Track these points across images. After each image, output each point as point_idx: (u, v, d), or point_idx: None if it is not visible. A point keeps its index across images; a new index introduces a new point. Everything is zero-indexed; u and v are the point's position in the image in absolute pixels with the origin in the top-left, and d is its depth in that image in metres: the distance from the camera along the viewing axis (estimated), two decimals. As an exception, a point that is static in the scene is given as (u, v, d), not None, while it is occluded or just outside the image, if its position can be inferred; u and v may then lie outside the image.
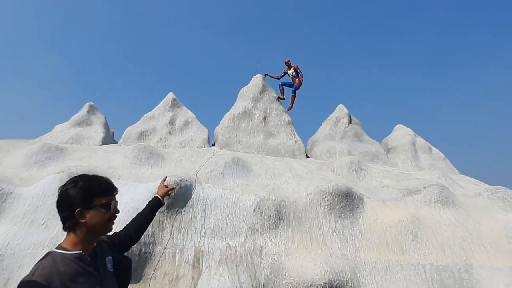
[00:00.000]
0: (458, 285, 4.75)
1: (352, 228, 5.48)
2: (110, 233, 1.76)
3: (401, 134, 10.01)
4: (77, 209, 1.55)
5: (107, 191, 1.67)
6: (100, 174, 1.76)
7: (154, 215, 2.21)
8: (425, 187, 6.27)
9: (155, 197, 2.27)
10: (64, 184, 1.61)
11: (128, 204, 5.07)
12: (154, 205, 2.22)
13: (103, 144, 8.29)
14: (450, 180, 7.31)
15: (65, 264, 1.48)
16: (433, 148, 9.81)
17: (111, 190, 1.69)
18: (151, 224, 4.96)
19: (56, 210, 1.60)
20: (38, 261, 1.50)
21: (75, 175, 1.68)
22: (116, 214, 1.70)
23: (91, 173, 1.75)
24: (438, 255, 5.11)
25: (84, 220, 1.56)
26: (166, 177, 2.58)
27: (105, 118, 9.43)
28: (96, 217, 1.59)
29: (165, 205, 5.21)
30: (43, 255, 1.54)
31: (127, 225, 2.07)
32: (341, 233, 5.38)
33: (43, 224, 4.96)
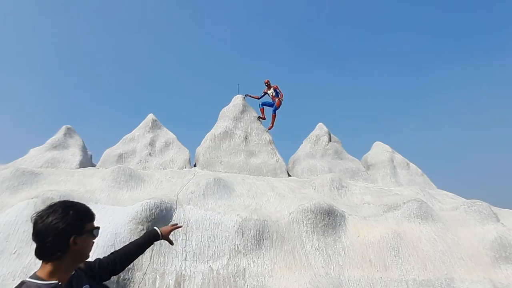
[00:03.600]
0: (441, 299, 4.78)
1: (335, 246, 5.48)
2: (90, 260, 1.70)
3: (379, 151, 10.23)
4: (73, 236, 1.50)
5: (93, 216, 1.64)
6: (76, 199, 1.71)
7: (147, 247, 2.06)
8: (404, 203, 6.38)
9: (153, 229, 2.13)
10: (53, 211, 1.52)
11: (106, 229, 4.90)
12: (149, 237, 2.07)
13: (80, 167, 8.08)
14: (428, 195, 7.47)
15: None
16: (411, 164, 10.05)
17: (94, 215, 1.66)
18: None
19: (30, 238, 1.53)
20: None
21: (52, 202, 1.61)
22: (94, 240, 1.65)
23: (68, 198, 1.69)
24: (420, 270, 5.15)
25: (76, 247, 1.51)
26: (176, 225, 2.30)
27: (82, 140, 9.23)
28: (86, 243, 1.56)
29: (145, 228, 5.08)
30: (16, 285, 1.45)
31: (114, 251, 1.96)
32: (324, 251, 5.36)
33: (14, 253, 4.72)
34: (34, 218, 1.52)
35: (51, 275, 1.48)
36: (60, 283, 1.49)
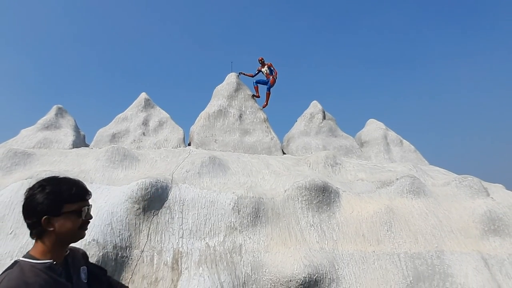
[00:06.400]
0: (431, 271, 4.94)
1: (329, 222, 5.58)
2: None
3: (373, 128, 10.27)
4: (44, 217, 1.42)
5: (78, 196, 1.53)
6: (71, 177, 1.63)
7: None
8: (397, 179, 6.47)
9: None
10: (31, 188, 1.47)
11: (102, 208, 4.92)
12: None
13: (73, 147, 8.01)
14: (421, 171, 7.58)
15: (34, 274, 1.36)
16: (404, 141, 10.13)
17: (82, 195, 1.55)
18: (127, 228, 4.85)
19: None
20: (3, 272, 1.35)
21: (41, 178, 1.57)
22: (89, 220, 1.58)
23: (61, 176, 1.62)
24: (411, 244, 5.29)
25: (52, 228, 1.44)
26: None
27: (74, 120, 9.11)
28: (66, 224, 1.47)
29: (141, 207, 5.11)
30: (9, 265, 1.43)
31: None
32: (319, 227, 5.47)
33: (11, 233, 4.73)
34: (25, 194, 1.50)
35: (43, 254, 1.45)
36: (54, 262, 1.46)
